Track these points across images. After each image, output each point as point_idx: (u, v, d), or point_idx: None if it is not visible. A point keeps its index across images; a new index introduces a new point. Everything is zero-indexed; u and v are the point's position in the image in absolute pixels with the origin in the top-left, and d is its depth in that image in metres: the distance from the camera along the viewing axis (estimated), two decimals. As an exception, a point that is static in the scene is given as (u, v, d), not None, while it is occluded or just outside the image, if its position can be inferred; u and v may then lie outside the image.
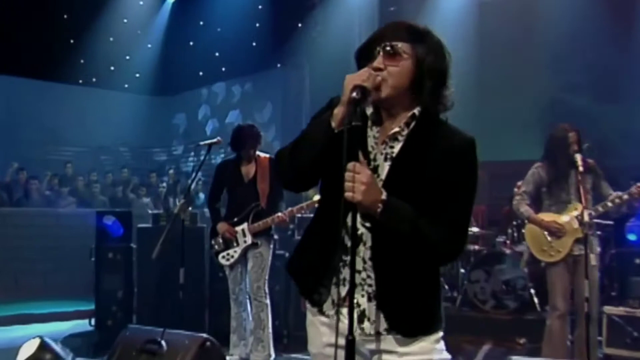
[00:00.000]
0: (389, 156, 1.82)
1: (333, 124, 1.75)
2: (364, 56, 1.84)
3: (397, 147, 1.81)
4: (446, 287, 6.90)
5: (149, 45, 13.65)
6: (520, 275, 6.28)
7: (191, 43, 13.20)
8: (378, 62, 1.78)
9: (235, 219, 4.87)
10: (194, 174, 4.69)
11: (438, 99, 1.80)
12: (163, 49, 13.49)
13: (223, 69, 13.35)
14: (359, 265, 1.81)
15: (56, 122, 13.03)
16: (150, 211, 7.04)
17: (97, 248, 5.87)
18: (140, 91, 14.13)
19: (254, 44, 12.13)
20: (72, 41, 12.52)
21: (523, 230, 6.82)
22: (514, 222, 6.88)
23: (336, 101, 1.77)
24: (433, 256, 1.77)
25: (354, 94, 1.67)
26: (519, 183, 4.86)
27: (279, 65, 12.14)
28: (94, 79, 13.51)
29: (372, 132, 1.87)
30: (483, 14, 9.25)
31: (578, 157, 4.25)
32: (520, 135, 8.70)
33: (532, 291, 6.28)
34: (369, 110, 1.89)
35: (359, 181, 1.65)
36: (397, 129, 1.81)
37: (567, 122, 4.52)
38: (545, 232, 4.44)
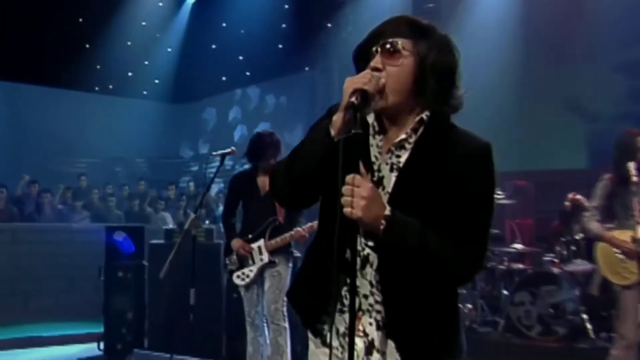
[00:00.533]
0: (395, 166, 1.79)
1: (332, 133, 1.72)
2: (362, 57, 1.82)
3: (404, 156, 1.78)
4: (486, 309, 6.76)
5: (169, 49, 13.91)
6: (571, 298, 6.10)
7: (213, 46, 13.39)
8: (376, 61, 1.76)
9: (251, 235, 4.85)
10: (206, 187, 4.69)
11: (445, 100, 1.76)
12: (183, 53, 13.74)
13: (247, 73, 13.50)
14: (365, 289, 1.78)
15: (70, 132, 13.36)
16: (163, 226, 7.10)
17: (107, 266, 5.93)
18: (160, 98, 14.41)
19: (280, 46, 12.23)
20: (87, 46, 12.84)
21: (573, 248, 6.68)
22: (564, 239, 6.71)
23: (335, 109, 1.75)
24: (447, 276, 1.72)
25: (353, 99, 1.64)
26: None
27: (306, 68, 12.19)
28: (110, 86, 13.83)
29: (376, 141, 1.84)
30: (528, 9, 9.06)
31: (631, 166, 4.11)
32: (569, 141, 8.50)
33: (585, 316, 6.09)
34: (371, 117, 1.86)
35: (359, 195, 1.62)
36: (403, 136, 1.79)
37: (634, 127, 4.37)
38: (618, 252, 4.29)
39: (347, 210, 1.61)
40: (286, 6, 12.00)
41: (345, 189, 1.62)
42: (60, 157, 13.27)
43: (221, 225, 5.08)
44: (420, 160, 1.76)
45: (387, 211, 1.66)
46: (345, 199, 1.62)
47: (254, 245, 4.83)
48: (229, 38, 12.72)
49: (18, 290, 8.50)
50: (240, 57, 13.08)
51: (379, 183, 1.78)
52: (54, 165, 12.91)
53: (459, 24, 8.86)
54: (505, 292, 6.71)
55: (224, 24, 12.96)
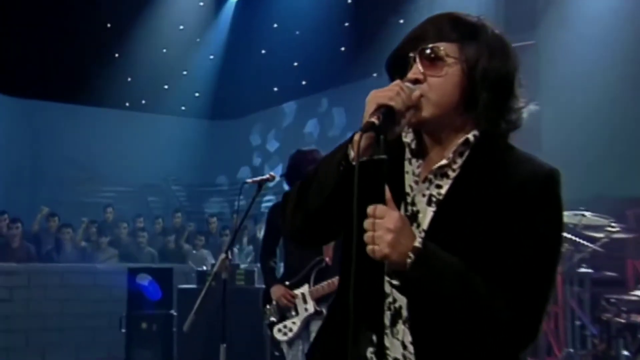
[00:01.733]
0: (433, 199, 1.77)
1: (351, 155, 1.72)
2: (397, 65, 1.82)
3: (446, 185, 1.77)
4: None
5: (211, 57, 14.26)
6: None
7: (263, 51, 13.62)
8: (414, 72, 1.76)
9: (294, 280, 4.88)
10: (239, 221, 4.74)
11: (500, 116, 1.74)
12: (227, 60, 14.06)
13: (303, 82, 13.61)
14: (396, 351, 1.74)
15: (95, 156, 13.77)
16: (197, 267, 7.20)
17: (129, 316, 6.03)
18: (200, 114, 14.73)
19: (343, 48, 12.33)
20: (116, 55, 13.31)
21: None
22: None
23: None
24: (498, 335, 1.66)
25: (374, 119, 1.63)
26: None
27: (374, 74, 12.18)
28: (143, 101, 14.19)
29: (412, 167, 1.84)
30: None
31: None
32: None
33: None
34: (408, 137, 1.84)
35: (383, 228, 1.60)
36: (444, 162, 1.77)
37: None
38: None
39: (369, 248, 1.60)
40: (349, 1, 12.07)
41: (366, 223, 1.61)
42: (84, 185, 13.66)
43: (259, 266, 5.13)
44: (465, 191, 1.74)
45: (418, 242, 1.64)
46: (367, 235, 1.60)
47: (297, 292, 4.85)
48: (281, 41, 12.94)
49: (34, 345, 8.72)
50: (295, 64, 13.22)
51: (413, 219, 1.77)
52: (76, 195, 13.29)
53: (563, 18, 8.67)
54: (625, 352, 6.42)
55: (274, 25, 13.22)
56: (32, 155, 13.45)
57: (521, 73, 1.79)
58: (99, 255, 10.64)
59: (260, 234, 10.49)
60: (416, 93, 1.71)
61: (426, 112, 1.73)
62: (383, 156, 1.62)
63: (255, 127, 15.18)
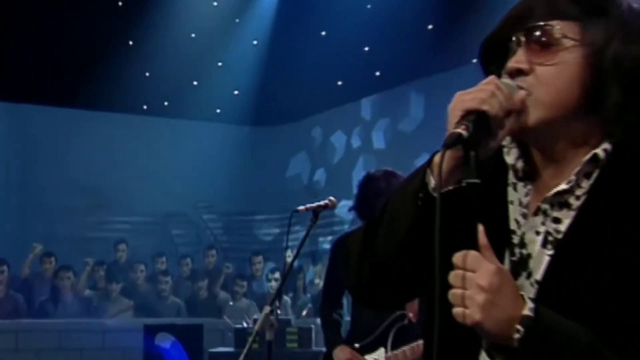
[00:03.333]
0: (550, 238, 1.74)
1: (431, 183, 1.73)
2: (494, 54, 1.81)
3: (567, 219, 1.73)
4: None
5: (254, 42, 14.43)
6: None
7: (323, 33, 13.69)
8: (517, 60, 1.73)
9: (365, 342, 4.86)
10: (291, 261, 4.76)
11: None
12: (276, 47, 14.14)
13: (377, 72, 13.67)
14: None
15: (103, 176, 13.94)
16: (235, 324, 7.21)
17: (145, 389, 6.09)
18: (240, 118, 14.86)
19: (430, 26, 12.39)
20: (130, 42, 13.58)
21: None
22: None
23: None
24: None
25: (460, 129, 1.60)
26: None
27: (474, 60, 12.09)
28: (165, 103, 14.37)
29: (518, 194, 1.82)
30: None
31: None
32: None
33: None
34: (511, 154, 1.82)
35: (475, 285, 1.58)
36: (564, 186, 1.73)
37: None
38: None
39: (457, 311, 1.59)
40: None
41: (453, 276, 1.60)
42: (89, 215, 13.88)
43: (319, 321, 5.13)
44: (595, 227, 1.69)
45: (527, 309, 1.60)
46: (453, 294, 1.59)
47: (370, 358, 4.82)
48: (346, 19, 12.95)
49: None
50: (366, 48, 13.26)
51: (520, 266, 1.75)
52: (78, 228, 13.55)
53: None
54: None
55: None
56: (22, 175, 13.72)
57: None
58: (108, 308, 10.76)
59: (321, 278, 10.50)
60: (520, 93, 1.68)
61: (533, 116, 1.70)
62: (475, 180, 1.60)
63: (314, 134, 15.25)
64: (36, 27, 12.45)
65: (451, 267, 1.59)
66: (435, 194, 1.67)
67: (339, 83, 14.00)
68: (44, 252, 11.26)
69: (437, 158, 1.68)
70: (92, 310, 10.67)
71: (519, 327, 1.58)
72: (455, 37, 11.50)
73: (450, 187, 1.62)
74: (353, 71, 13.45)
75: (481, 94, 1.64)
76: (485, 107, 1.62)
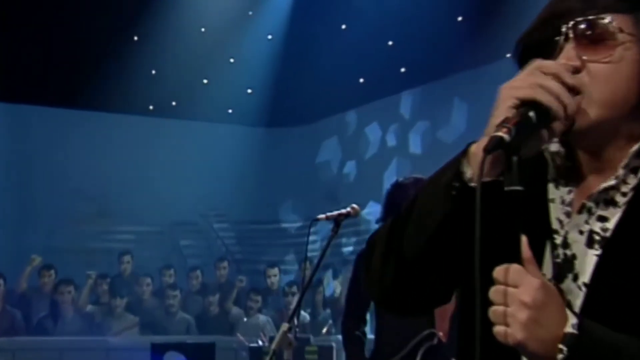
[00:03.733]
0: (597, 237, 1.75)
1: (466, 174, 1.73)
2: (536, 47, 1.80)
3: (614, 217, 1.74)
4: None
5: (269, 37, 14.42)
6: None
7: (343, 27, 13.66)
8: (568, 57, 1.73)
9: (392, 361, 4.85)
10: (310, 274, 4.75)
11: None
12: (293, 42, 14.14)
13: (402, 69, 13.66)
14: None
15: (106, 182, 13.97)
16: (249, 343, 7.20)
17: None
18: (254, 119, 14.89)
19: (460, 18, 12.43)
20: (135, 38, 13.61)
21: None
22: None
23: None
24: None
25: (502, 132, 1.58)
26: None
27: (508, 55, 12.06)
28: (173, 102, 14.38)
29: (560, 192, 1.83)
30: None
31: None
32: None
33: None
34: (551, 148, 1.82)
35: (517, 302, 1.57)
36: (611, 182, 1.75)
37: None
38: None
39: (498, 330, 1.58)
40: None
41: (494, 292, 1.59)
42: (91, 224, 13.90)
43: (340, 338, 5.20)
44: None
45: (570, 326, 1.59)
46: (494, 311, 1.58)
47: (397, 381, 4.84)
48: (368, 11, 12.97)
49: None
50: (390, 43, 13.24)
51: (565, 268, 1.76)
52: (80, 239, 13.53)
53: None
54: None
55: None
56: (19, 180, 13.68)
57: None
58: (112, 325, 10.76)
59: (342, 292, 10.50)
60: (576, 100, 1.68)
61: (586, 117, 1.70)
62: (518, 187, 1.59)
63: (333, 136, 15.23)
64: (36, 21, 12.48)
65: (488, 273, 1.58)
66: (472, 185, 1.67)
67: (361, 80, 13.95)
68: (43, 265, 11.23)
69: (473, 148, 1.71)
70: (94, 327, 10.67)
71: (561, 346, 1.58)
72: (487, 30, 11.49)
73: (488, 179, 1.61)
74: (375, 68, 13.43)
75: (538, 79, 1.64)
76: (541, 97, 1.62)
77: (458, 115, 13.34)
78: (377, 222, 5.42)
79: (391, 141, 14.43)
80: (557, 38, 1.74)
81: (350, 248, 12.65)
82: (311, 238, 4.87)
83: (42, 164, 13.81)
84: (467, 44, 12.10)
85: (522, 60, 1.79)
